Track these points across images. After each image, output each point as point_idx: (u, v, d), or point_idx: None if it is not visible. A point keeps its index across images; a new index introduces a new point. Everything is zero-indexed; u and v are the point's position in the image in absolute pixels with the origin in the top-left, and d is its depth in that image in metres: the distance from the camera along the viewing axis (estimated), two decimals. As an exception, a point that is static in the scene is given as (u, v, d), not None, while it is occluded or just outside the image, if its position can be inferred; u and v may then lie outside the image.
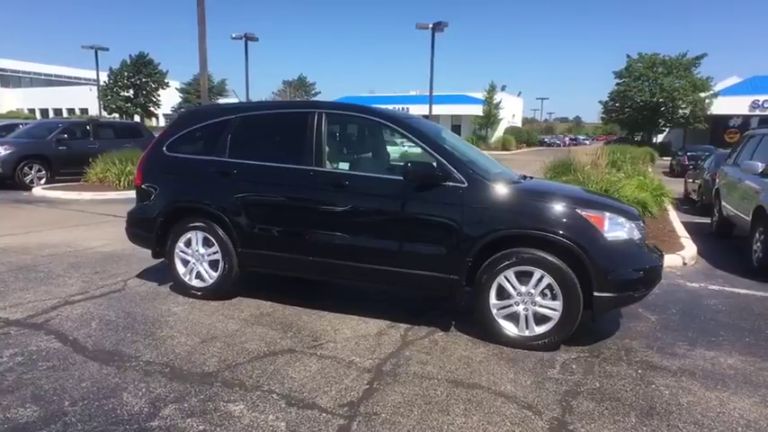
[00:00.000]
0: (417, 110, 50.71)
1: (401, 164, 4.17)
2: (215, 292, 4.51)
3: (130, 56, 51.42)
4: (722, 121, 34.79)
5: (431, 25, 29.53)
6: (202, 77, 15.33)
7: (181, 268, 4.61)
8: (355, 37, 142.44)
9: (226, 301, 4.51)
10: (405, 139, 4.08)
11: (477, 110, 45.62)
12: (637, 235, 3.70)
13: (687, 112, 34.00)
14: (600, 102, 39.46)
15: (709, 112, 33.92)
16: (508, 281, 3.64)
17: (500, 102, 44.83)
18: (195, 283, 4.59)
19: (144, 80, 52.44)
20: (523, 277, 3.63)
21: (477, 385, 3.12)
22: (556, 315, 3.56)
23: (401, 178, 3.84)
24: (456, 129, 43.70)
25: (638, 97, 34.93)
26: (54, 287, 4.84)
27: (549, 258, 3.51)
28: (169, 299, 4.57)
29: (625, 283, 3.51)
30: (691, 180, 12.98)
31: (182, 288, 4.64)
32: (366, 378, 3.18)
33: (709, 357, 3.63)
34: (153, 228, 4.61)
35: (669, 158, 27.10)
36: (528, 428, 2.67)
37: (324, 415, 2.75)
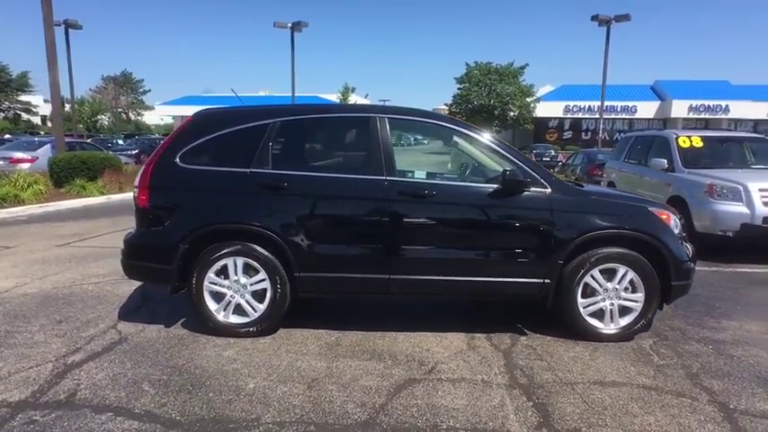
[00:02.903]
0: (268, 111, 49.12)
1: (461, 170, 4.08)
2: (261, 327, 3.85)
3: None
4: (543, 123, 40.82)
5: (290, 25, 28.92)
6: (52, 72, 12.77)
7: (212, 304, 3.84)
8: (189, 34, 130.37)
9: (273, 336, 3.90)
10: (480, 146, 3.99)
11: (330, 111, 45.50)
12: (679, 229, 4.19)
13: (516, 114, 39.12)
14: (445, 104, 43.09)
15: (534, 115, 39.56)
16: (594, 279, 3.83)
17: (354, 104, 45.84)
18: (233, 319, 3.86)
19: None
20: (605, 274, 3.85)
21: (618, 383, 3.24)
22: (638, 306, 3.85)
23: (488, 185, 3.78)
24: (311, 130, 43.12)
25: (477, 101, 39.10)
26: (24, 348, 3.63)
27: (634, 254, 3.79)
28: (201, 342, 3.77)
29: (690, 272, 3.96)
30: (563, 176, 14.94)
31: (214, 327, 3.86)
32: (519, 395, 3.07)
33: (737, 327, 4.30)
34: (172, 258, 3.75)
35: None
36: (705, 415, 2.86)
37: (532, 442, 2.59)
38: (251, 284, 3.82)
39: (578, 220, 3.78)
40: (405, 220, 3.76)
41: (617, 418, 2.82)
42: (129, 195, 13.16)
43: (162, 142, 4.08)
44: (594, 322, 3.89)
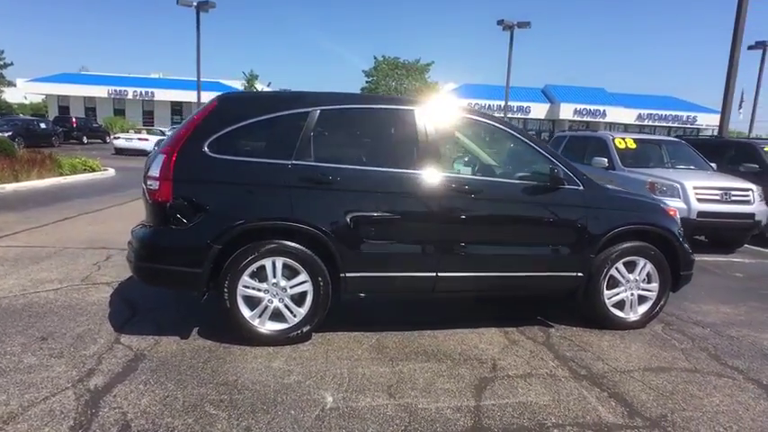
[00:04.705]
0: (162, 95, 45.30)
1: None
2: (303, 332, 3.55)
3: None
4: (447, 120, 42.59)
5: (195, 3, 26.84)
6: None
7: (246, 311, 3.46)
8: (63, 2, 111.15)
9: (311, 342, 3.62)
10: (519, 144, 4.03)
11: (232, 98, 42.98)
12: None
13: (422, 110, 40.39)
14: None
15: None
16: (618, 271, 4.09)
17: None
18: (270, 326, 3.52)
19: None
20: (626, 266, 4.12)
21: (665, 368, 3.50)
22: (653, 296, 4.18)
23: (530, 182, 3.84)
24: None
25: (385, 95, 39.74)
26: (21, 375, 2.98)
27: (652, 247, 4.10)
28: (237, 354, 3.38)
29: (693, 263, 4.37)
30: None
31: (249, 336, 3.48)
32: (590, 386, 3.18)
33: (715, 310, 4.86)
34: (203, 260, 3.32)
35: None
36: (752, 392, 3.20)
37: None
38: (290, 287, 3.50)
39: (608, 215, 4.00)
40: (452, 216, 3.68)
41: (688, 401, 3.04)
42: (25, 185, 11.41)
43: (180, 128, 3.56)
44: (617, 312, 4.15)
